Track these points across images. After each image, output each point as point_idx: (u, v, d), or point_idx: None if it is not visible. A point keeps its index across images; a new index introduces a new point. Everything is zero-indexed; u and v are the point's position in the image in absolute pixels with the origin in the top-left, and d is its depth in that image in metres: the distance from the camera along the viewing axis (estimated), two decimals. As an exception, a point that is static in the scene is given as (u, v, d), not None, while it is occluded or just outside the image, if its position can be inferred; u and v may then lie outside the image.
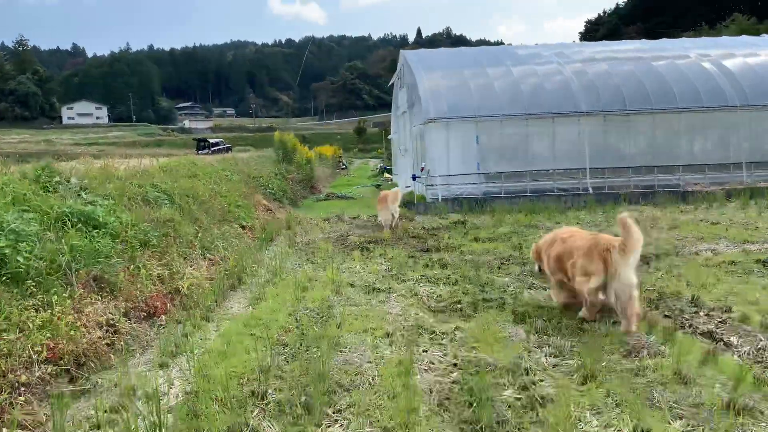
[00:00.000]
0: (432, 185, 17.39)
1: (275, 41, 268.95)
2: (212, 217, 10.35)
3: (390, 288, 7.50)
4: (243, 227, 11.68)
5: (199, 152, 55.19)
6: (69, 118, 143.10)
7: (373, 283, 7.74)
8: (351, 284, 7.62)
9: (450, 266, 8.80)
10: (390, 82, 25.64)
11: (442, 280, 7.81)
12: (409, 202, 18.20)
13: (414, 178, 17.74)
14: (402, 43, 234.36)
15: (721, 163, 17.39)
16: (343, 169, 45.89)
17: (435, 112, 17.52)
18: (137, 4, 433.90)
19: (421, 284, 7.68)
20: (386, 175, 34.68)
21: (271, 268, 8.67)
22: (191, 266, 7.64)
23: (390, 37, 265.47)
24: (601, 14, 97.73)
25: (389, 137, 28.78)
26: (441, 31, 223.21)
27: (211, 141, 62.51)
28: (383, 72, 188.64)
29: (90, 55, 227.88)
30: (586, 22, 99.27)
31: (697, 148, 17.82)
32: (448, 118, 17.48)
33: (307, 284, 7.67)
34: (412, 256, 9.78)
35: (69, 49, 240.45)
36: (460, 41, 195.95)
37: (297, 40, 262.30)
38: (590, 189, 17.25)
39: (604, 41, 22.88)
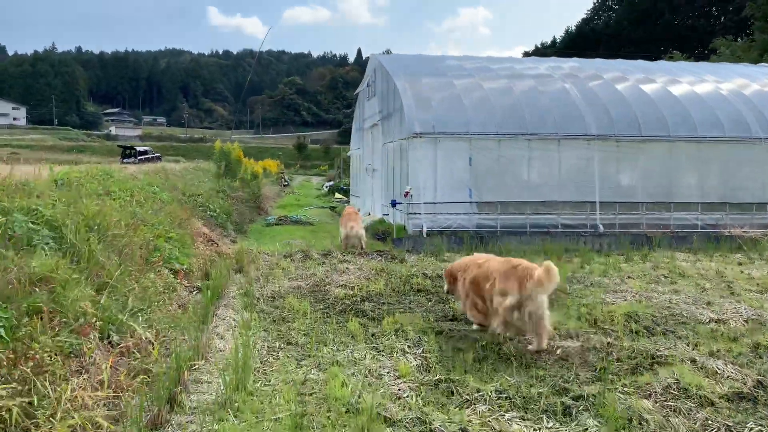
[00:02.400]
0: (415, 214, 14.14)
1: (212, 51, 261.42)
2: (129, 261, 6.63)
3: (462, 427, 4.04)
4: (176, 272, 7.98)
5: (125, 161, 50.02)
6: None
7: (422, 408, 4.29)
8: (384, 418, 4.10)
9: (519, 360, 5.51)
10: (356, 91, 22.35)
11: (534, 400, 4.48)
12: (384, 233, 14.88)
13: (393, 204, 14.45)
14: (342, 62, 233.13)
15: (758, 203, 15.08)
16: (285, 185, 42.20)
17: (421, 125, 14.34)
18: (65, 2, 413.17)
19: (507, 414, 4.30)
20: (337, 195, 31.29)
21: (224, 363, 5.08)
22: (79, 377, 3.97)
23: (330, 55, 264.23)
24: (538, 46, 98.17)
25: (348, 154, 25.45)
26: (382, 52, 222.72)
27: (139, 149, 57.22)
28: (322, 89, 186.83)
29: (11, 53, 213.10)
30: (524, 54, 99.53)
31: (715, 183, 15.44)
32: (437, 133, 14.33)
33: (300, 415, 4.13)
34: (440, 332, 6.44)
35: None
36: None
37: (235, 52, 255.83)
38: (600, 226, 14.49)
39: (599, 60, 20.68)
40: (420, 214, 14.16)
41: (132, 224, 7.77)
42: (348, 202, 25.65)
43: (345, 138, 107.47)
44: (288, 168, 65.50)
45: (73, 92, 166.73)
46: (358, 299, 7.97)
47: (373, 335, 6.28)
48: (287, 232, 15.86)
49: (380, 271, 9.93)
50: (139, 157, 51.65)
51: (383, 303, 7.85)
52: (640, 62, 19.80)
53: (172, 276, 7.73)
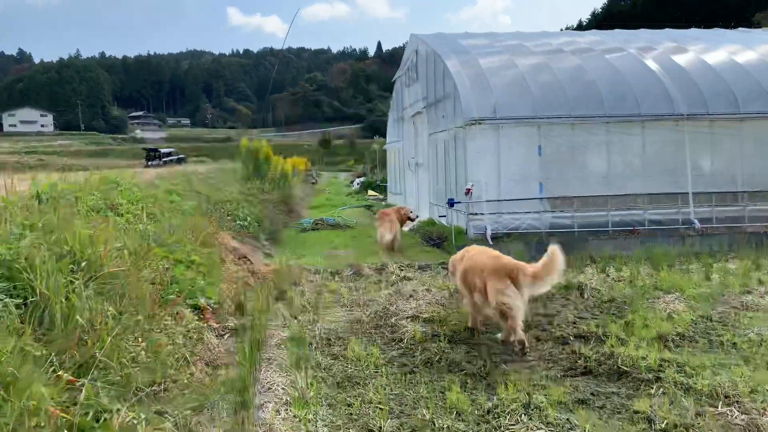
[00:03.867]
0: (476, 214, 12.06)
1: (233, 51, 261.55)
2: (134, 307, 4.71)
3: None
4: (200, 311, 6.04)
5: (149, 163, 48.79)
6: (10, 125, 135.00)
7: None
8: None
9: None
10: (393, 78, 20.27)
11: None
12: (438, 237, 12.84)
13: (451, 203, 12.36)
14: (362, 56, 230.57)
15: None
16: (313, 183, 40.43)
17: (480, 110, 12.23)
18: (88, 10, 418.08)
19: None
20: (370, 192, 29.28)
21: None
22: None
23: (350, 50, 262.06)
24: (564, 30, 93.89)
25: (384, 147, 23.42)
26: (401, 45, 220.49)
27: (163, 151, 56.01)
28: (343, 84, 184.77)
29: (37, 61, 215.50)
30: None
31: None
32: (499, 119, 12.20)
33: None
34: (583, 401, 4.38)
35: (15, 54, 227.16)
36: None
37: (255, 51, 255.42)
38: (696, 222, 12.22)
39: (668, 29, 18.29)
40: (482, 214, 12.08)
41: (141, 250, 5.84)
42: (384, 200, 23.66)
43: (369, 133, 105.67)
44: (314, 165, 63.74)
45: (98, 97, 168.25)
46: (443, 340, 5.94)
47: (488, 411, 4.24)
48: (326, 238, 13.91)
49: (454, 292, 7.89)
50: (164, 159, 50.43)
51: (480, 346, 5.82)
52: (721, 30, 17.33)
53: (196, 317, 5.79)
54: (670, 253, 10.43)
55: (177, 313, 5.56)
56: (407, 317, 6.83)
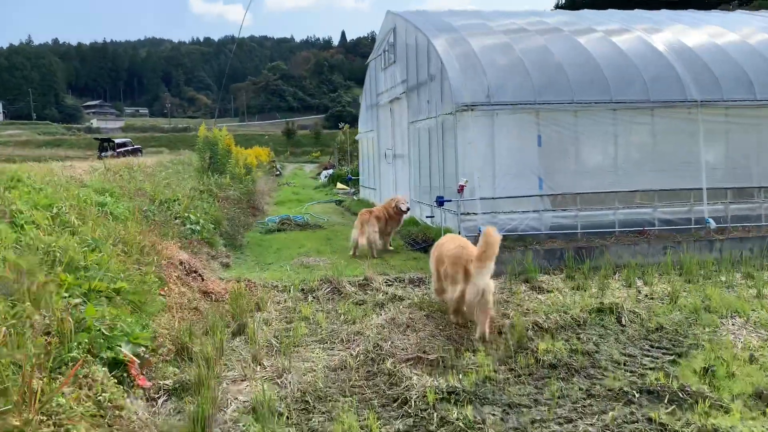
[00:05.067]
0: (469, 214, 10.47)
1: (193, 39, 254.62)
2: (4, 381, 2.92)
3: None
4: (123, 366, 4.26)
5: (102, 155, 45.83)
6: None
7: None
8: None
9: None
10: (367, 60, 18.45)
11: None
12: (424, 240, 11.23)
13: (441, 202, 10.71)
14: (326, 45, 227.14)
15: None
16: (277, 175, 38.39)
17: (472, 95, 10.60)
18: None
19: None
20: (339, 185, 27.49)
21: None
22: None
23: (313, 39, 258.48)
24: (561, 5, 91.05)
25: (356, 137, 21.63)
26: (366, 35, 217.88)
27: (118, 141, 52.82)
28: (307, 74, 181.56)
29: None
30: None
31: None
32: (494, 104, 10.61)
33: None
34: None
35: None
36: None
37: (216, 39, 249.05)
38: (711, 221, 10.91)
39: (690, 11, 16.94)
40: (475, 214, 10.51)
41: (35, 285, 4.03)
42: (356, 193, 21.93)
43: (333, 123, 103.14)
44: (278, 156, 61.41)
45: (51, 85, 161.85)
46: (466, 401, 4.32)
47: None
48: (294, 242, 12.16)
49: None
50: (118, 150, 47.45)
51: (516, 408, 4.22)
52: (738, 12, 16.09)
53: (115, 379, 4.01)
54: (699, 259, 9.02)
55: (82, 378, 3.78)
56: (407, 359, 5.18)
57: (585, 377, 4.87)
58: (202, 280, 7.53)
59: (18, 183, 5.99)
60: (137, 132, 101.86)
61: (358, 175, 22.29)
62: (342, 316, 6.55)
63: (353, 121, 45.79)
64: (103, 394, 3.75)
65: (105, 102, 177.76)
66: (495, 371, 4.91)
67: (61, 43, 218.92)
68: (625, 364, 5.12)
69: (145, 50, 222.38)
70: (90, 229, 5.98)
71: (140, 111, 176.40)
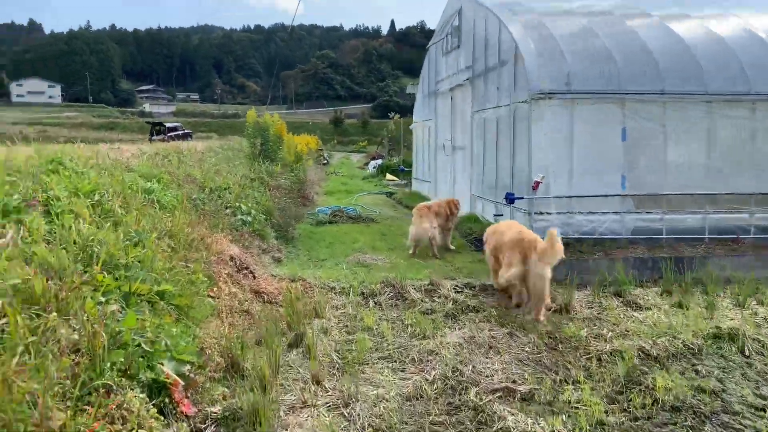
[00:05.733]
0: (541, 213, 9.51)
1: (244, 26, 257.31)
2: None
3: None
4: (164, 389, 3.55)
5: (153, 138, 46.28)
6: (18, 95, 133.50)
7: None
8: None
9: None
10: (428, 44, 17.50)
11: None
12: (479, 240, 10.29)
13: (511, 200, 9.76)
14: (374, 34, 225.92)
15: None
16: (324, 164, 37.89)
17: (549, 81, 9.61)
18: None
19: None
20: (389, 176, 26.68)
21: None
22: None
23: (362, 28, 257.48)
24: None
25: (411, 126, 20.71)
26: (415, 24, 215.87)
27: (169, 125, 53.22)
28: (355, 63, 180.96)
29: (47, 32, 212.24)
30: None
31: None
32: (574, 93, 9.59)
33: None
34: None
35: (25, 24, 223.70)
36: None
37: (267, 27, 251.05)
38: (819, 231, 9.65)
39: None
40: (549, 213, 9.55)
41: (64, 289, 3.36)
42: (408, 185, 21.10)
43: (380, 112, 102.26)
44: (324, 144, 61.01)
45: (108, 70, 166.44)
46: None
47: None
48: (347, 236, 11.42)
49: (549, 340, 5.39)
50: (169, 134, 47.81)
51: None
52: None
53: (154, 406, 3.31)
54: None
55: (118, 406, 3.08)
56: (495, 390, 4.33)
57: (719, 425, 3.93)
58: (254, 277, 6.85)
59: (59, 166, 5.39)
60: (188, 117, 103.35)
61: (410, 167, 21.42)
62: (409, 328, 5.74)
63: (400, 111, 44.89)
64: (136, 430, 3.04)
65: (158, 87, 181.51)
66: (606, 412, 4.02)
67: (118, 28, 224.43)
68: (765, 410, 4.15)
69: (198, 37, 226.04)
70: (134, 219, 5.33)
71: (191, 96, 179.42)
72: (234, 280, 6.32)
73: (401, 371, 4.77)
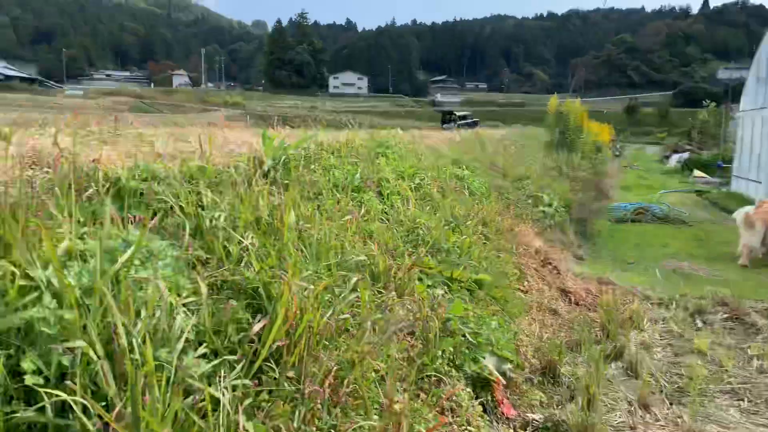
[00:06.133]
0: None
1: (536, 14, 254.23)
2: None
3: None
4: (485, 385, 3.39)
5: (444, 126, 48.81)
6: (334, 87, 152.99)
7: None
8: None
9: None
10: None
11: None
12: None
13: None
14: (682, 15, 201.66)
15: None
16: (617, 156, 35.27)
17: None
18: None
19: None
20: (697, 173, 23.46)
21: None
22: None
23: (667, 8, 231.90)
24: None
25: (737, 114, 17.73)
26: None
27: (459, 114, 55.58)
28: (656, 47, 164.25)
29: (360, 29, 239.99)
30: None
31: None
32: None
33: None
34: None
35: (343, 24, 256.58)
36: (760, 12, 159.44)
37: (560, 14, 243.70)
38: None
39: None
40: None
41: (401, 269, 3.42)
42: (724, 184, 18.23)
43: (682, 101, 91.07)
44: (616, 135, 56.86)
45: (407, 62, 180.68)
46: None
47: None
48: (655, 238, 10.21)
49: None
50: (459, 123, 49.89)
51: None
52: None
53: (480, 405, 3.16)
54: None
55: (447, 397, 3.01)
56: None
57: None
58: (558, 274, 6.44)
59: (386, 150, 5.72)
60: (474, 106, 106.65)
61: (729, 163, 18.44)
62: (756, 361, 4.71)
63: (711, 99, 39.25)
64: (469, 428, 2.91)
65: (449, 77, 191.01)
66: None
67: (418, 23, 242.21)
68: None
69: (490, 27, 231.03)
70: (449, 205, 5.36)
71: (479, 86, 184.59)
72: (540, 275, 6.01)
73: (753, 413, 3.89)
